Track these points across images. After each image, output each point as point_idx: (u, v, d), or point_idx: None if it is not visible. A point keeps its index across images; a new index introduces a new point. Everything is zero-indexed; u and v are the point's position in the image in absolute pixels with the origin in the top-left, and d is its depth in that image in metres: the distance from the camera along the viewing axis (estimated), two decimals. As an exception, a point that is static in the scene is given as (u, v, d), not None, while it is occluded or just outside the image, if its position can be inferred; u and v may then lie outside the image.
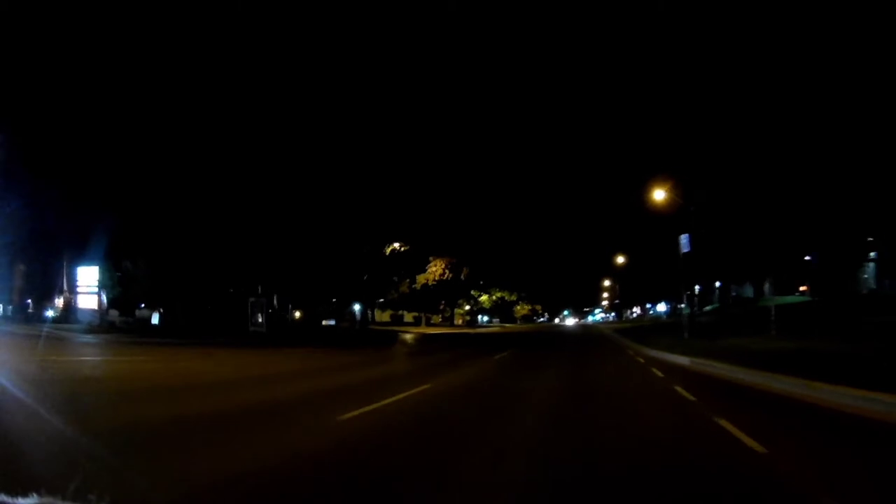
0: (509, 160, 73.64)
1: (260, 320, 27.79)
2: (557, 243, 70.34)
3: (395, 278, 49.33)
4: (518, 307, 78.19)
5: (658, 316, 66.84)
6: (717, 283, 59.27)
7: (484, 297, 65.41)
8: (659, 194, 25.09)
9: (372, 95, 42.41)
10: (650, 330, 33.98)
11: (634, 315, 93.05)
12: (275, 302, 31.79)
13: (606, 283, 77.85)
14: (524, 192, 72.65)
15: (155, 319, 34.65)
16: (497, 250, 56.64)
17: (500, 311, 74.00)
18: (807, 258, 42.59)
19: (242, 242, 29.45)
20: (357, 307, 43.28)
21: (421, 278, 53.07)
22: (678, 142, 33.27)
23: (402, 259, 47.15)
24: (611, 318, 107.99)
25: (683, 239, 22.65)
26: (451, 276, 54.22)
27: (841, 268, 39.92)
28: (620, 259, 49.47)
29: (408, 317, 62.21)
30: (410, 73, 48.89)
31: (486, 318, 76.87)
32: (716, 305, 56.93)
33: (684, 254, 23.00)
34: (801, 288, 46.88)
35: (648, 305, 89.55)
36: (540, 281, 72.60)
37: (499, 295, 66.70)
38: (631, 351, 20.56)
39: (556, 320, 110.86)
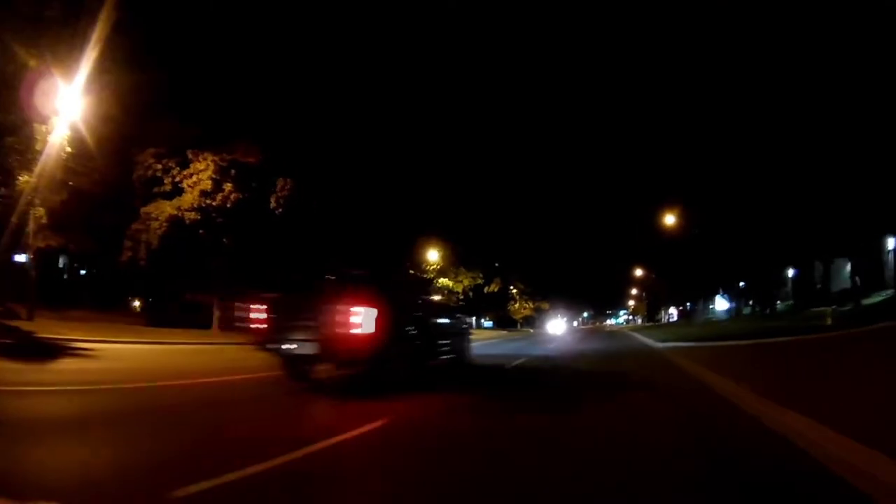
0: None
1: None
2: (569, 215, 50.58)
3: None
4: (516, 305, 56.90)
5: (716, 319, 45.62)
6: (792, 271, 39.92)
7: (443, 281, 38.79)
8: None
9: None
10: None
11: (671, 318, 72.89)
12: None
13: (638, 272, 57.79)
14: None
15: None
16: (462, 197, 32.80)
17: (493, 306, 52.16)
18: None
19: None
20: None
21: (168, 207, 20.95)
22: None
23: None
24: (638, 322, 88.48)
25: None
26: (237, 196, 21.81)
27: None
28: (669, 219, 30.35)
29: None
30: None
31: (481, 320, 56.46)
32: (789, 303, 37.93)
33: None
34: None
35: (688, 305, 69.53)
36: (544, 267, 52.43)
37: (462, 281, 40.78)
38: None
39: (580, 323, 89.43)
